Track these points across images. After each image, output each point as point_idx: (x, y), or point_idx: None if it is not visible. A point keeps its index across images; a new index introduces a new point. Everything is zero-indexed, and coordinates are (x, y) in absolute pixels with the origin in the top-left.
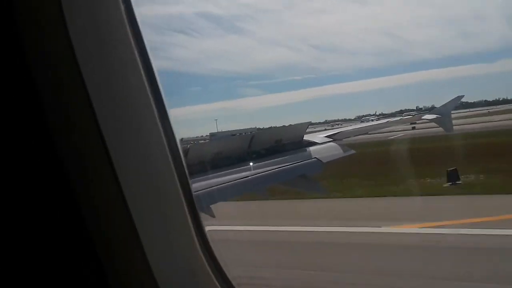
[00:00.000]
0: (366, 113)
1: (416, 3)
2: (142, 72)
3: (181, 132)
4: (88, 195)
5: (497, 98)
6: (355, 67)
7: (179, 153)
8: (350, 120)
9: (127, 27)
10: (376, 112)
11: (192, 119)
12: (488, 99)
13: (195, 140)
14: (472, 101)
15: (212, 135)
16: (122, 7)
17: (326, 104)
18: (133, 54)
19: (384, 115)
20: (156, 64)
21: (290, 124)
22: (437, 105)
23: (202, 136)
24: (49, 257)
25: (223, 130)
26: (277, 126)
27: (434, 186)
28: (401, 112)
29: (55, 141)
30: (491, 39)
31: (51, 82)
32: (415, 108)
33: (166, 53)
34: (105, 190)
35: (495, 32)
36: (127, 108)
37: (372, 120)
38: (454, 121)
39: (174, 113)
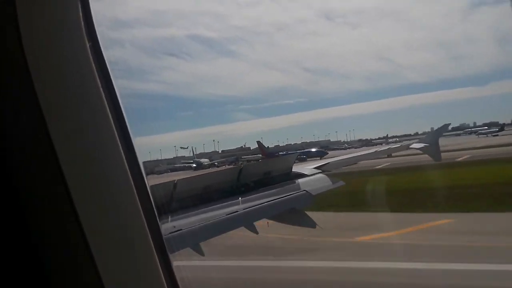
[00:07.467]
0: (364, 138)
1: (408, 27)
2: (105, 100)
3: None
4: (45, 229)
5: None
6: (348, 91)
7: (146, 189)
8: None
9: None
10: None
11: (184, 144)
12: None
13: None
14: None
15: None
16: (83, 26)
17: (319, 127)
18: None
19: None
20: (147, 88)
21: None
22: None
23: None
24: None
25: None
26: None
27: None
28: (389, 137)
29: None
30: (482, 62)
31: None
32: (412, 133)
33: (158, 76)
34: (63, 227)
35: (485, 55)
36: (88, 135)
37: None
38: None
39: (166, 138)
